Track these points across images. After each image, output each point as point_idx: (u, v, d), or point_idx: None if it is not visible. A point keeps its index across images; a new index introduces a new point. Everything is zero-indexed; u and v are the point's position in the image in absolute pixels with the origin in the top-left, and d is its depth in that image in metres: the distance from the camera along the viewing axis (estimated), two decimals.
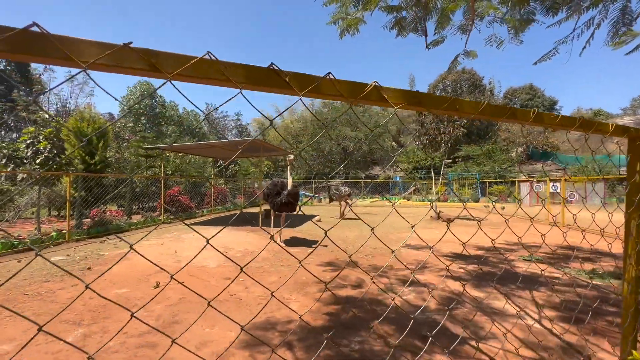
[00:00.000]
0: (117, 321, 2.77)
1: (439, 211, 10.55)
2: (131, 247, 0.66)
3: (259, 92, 0.63)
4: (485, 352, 2.30)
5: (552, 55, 2.99)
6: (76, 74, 0.50)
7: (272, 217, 6.51)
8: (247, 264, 0.99)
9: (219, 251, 0.87)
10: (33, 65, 23.66)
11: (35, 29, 0.44)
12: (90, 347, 2.33)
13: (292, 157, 6.05)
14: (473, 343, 2.43)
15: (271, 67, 0.60)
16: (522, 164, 28.25)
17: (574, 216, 1.60)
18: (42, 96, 18.68)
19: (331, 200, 10.75)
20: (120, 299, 3.28)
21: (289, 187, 5.80)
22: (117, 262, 0.82)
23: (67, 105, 17.14)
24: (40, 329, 0.57)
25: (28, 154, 6.70)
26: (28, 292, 3.49)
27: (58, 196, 9.69)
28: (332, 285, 3.75)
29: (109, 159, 11.27)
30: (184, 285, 0.95)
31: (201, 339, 2.46)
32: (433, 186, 11.33)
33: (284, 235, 6.93)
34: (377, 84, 0.70)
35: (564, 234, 1.50)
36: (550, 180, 11.18)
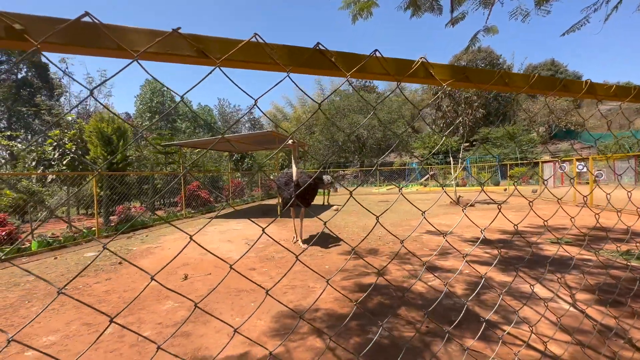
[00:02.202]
0: (151, 312, 2.88)
1: (459, 196, 10.33)
2: (191, 238, 0.68)
3: (303, 75, 0.61)
4: (519, 336, 2.26)
5: (581, 25, 2.80)
6: (128, 65, 0.49)
7: (292, 211, 5.75)
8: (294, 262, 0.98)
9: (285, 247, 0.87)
10: (52, 69, 24.47)
11: (87, 19, 0.44)
12: (129, 337, 2.43)
13: (292, 142, 5.04)
14: (505, 327, 2.38)
15: (317, 48, 0.58)
16: (545, 143, 27.19)
17: (608, 195, 1.52)
18: (63, 99, 19.39)
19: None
20: (153, 291, 3.41)
21: (294, 177, 5.01)
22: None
23: (87, 107, 17.73)
24: (111, 320, 0.58)
25: (55, 156, 6.98)
26: (67, 286, 3.68)
27: (85, 195, 10.12)
28: (355, 273, 3.76)
29: (130, 158, 11.61)
30: (247, 278, 0.96)
31: (232, 328, 2.52)
32: (452, 171, 11.08)
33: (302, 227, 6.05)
34: (424, 59, 0.67)
35: (597, 215, 1.43)
36: (577, 160, 10.72)
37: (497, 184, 19.26)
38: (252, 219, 8.06)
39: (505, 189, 14.45)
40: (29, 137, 22.98)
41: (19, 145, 9.60)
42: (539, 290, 3.10)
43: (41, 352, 0.65)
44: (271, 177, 18.21)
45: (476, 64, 33.86)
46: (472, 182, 20.60)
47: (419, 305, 2.83)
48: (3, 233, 5.52)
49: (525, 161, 20.99)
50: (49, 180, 7.23)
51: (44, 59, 26.75)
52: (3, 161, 12.17)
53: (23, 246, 5.62)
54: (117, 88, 62.35)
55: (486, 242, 5.06)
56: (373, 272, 3.78)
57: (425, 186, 20.94)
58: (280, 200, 9.96)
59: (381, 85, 38.93)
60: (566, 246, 4.56)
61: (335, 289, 1.07)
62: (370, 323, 2.54)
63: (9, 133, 10.93)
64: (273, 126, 35.86)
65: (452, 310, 2.71)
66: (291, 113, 38.89)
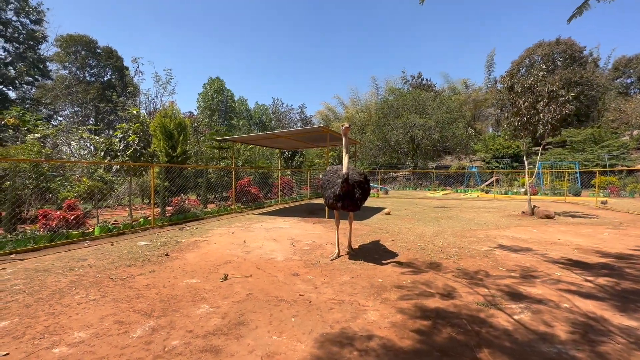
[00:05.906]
0: (185, 315, 2.62)
1: (534, 206, 8.90)
2: None
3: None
4: None
5: None
6: None
7: (337, 214, 4.61)
8: None
9: None
10: (126, 65, 27.39)
11: None
12: (155, 345, 2.17)
13: (347, 125, 4.19)
14: None
15: None
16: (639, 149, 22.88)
17: None
18: (135, 97, 21.48)
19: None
20: (190, 290, 3.19)
21: (344, 170, 3.97)
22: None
23: (154, 104, 19.37)
24: None
25: (120, 147, 7.41)
26: (113, 276, 3.65)
27: (148, 186, 10.81)
28: (415, 292, 3.14)
29: (189, 152, 12.18)
30: None
31: (267, 349, 2.12)
32: (526, 176, 9.58)
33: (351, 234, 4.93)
34: None
35: None
36: None
37: (577, 194, 16.60)
38: (301, 217, 7.69)
39: (604, 202, 11.95)
40: (110, 132, 25.89)
41: (97, 138, 10.51)
42: None
43: None
44: (320, 177, 17.96)
45: (553, 58, 29.84)
46: (544, 190, 18.08)
47: (506, 348, 2.14)
48: (72, 217, 5.92)
49: (612, 169, 17.83)
50: (114, 169, 7.73)
51: (125, 62, 29.98)
52: (85, 152, 13.64)
53: (87, 230, 5.98)
54: (180, 86, 67.36)
55: (583, 265, 4.03)
56: (437, 292, 3.12)
57: (487, 192, 18.93)
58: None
59: (439, 83, 36.53)
60: None
61: None
62: None
63: (89, 127, 12.15)
64: (324, 124, 35.82)
65: None
66: (343, 113, 38.48)
